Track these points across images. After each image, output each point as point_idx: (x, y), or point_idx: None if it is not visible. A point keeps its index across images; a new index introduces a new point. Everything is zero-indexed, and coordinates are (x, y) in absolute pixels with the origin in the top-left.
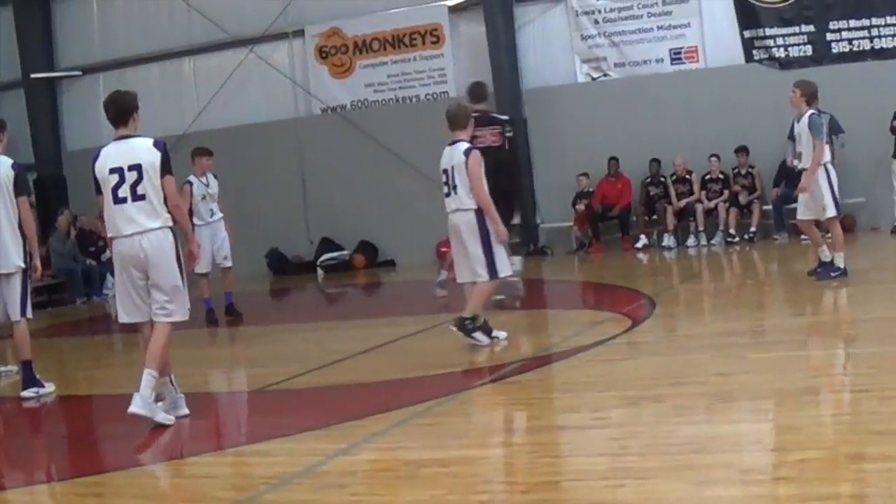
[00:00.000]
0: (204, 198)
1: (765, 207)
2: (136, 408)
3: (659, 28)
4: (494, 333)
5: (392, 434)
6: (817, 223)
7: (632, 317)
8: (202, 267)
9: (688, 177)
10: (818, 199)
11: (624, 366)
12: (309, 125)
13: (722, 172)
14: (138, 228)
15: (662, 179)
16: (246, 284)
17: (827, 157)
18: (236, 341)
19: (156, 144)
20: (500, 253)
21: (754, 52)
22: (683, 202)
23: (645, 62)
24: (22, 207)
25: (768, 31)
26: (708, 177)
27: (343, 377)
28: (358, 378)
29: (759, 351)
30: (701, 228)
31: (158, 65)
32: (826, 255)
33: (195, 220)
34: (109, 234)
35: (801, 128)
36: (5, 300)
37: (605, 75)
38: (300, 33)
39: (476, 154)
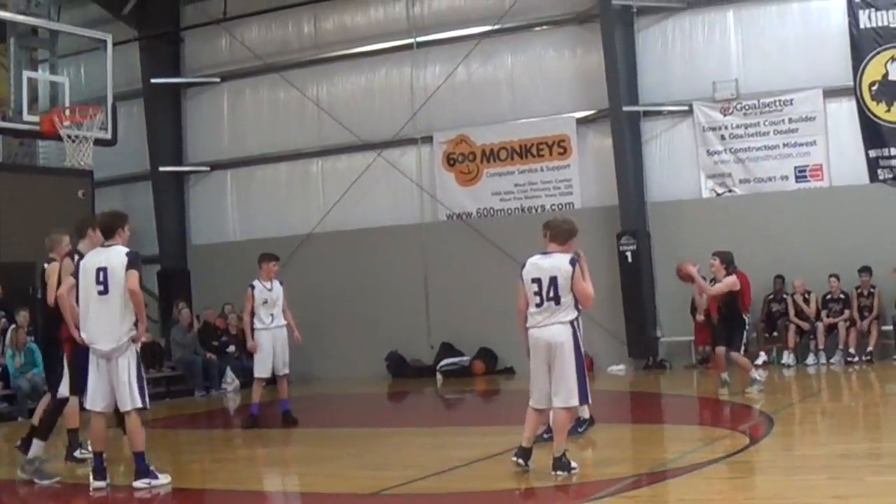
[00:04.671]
0: (265, 302)
1: (884, 328)
2: None
3: (785, 145)
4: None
5: None
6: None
7: (749, 434)
8: (260, 371)
9: (807, 297)
10: None
11: (740, 484)
12: (433, 230)
13: (843, 292)
14: None
15: (785, 297)
16: (365, 386)
17: None
18: (352, 443)
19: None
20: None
21: (879, 171)
22: (805, 325)
23: (770, 179)
24: (129, 278)
25: (893, 151)
26: (828, 296)
27: (461, 484)
28: (475, 486)
29: (876, 474)
30: (821, 347)
31: (287, 164)
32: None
33: (256, 324)
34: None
35: None
36: (114, 386)
37: (729, 191)
38: (428, 139)
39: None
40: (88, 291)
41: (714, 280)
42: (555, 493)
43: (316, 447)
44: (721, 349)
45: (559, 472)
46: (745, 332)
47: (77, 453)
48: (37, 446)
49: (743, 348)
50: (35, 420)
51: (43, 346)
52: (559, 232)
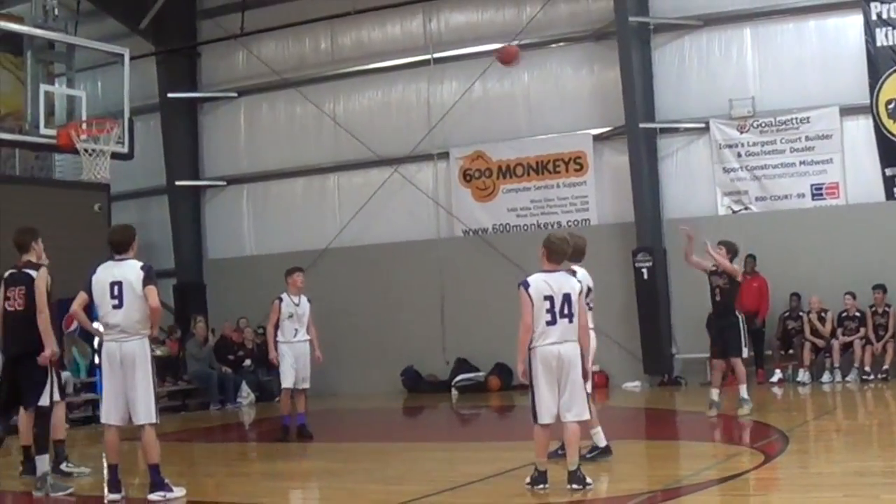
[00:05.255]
0: (291, 316)
1: None
2: None
3: (801, 163)
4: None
5: None
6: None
7: (765, 452)
8: (285, 381)
9: (823, 315)
10: None
11: (755, 502)
12: (450, 246)
13: (859, 310)
14: None
15: (801, 314)
16: (380, 401)
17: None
18: (366, 457)
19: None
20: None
21: (895, 189)
22: (820, 343)
23: (786, 197)
24: (150, 294)
25: None
26: (844, 314)
27: (475, 500)
28: (489, 501)
29: (892, 492)
30: (836, 365)
31: (303, 179)
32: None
33: (278, 337)
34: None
35: None
36: (130, 399)
37: (745, 208)
38: (445, 155)
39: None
40: (103, 305)
41: (716, 270)
42: None
43: (331, 461)
44: (718, 362)
45: (575, 486)
46: (742, 333)
47: (63, 466)
48: (41, 462)
49: (745, 350)
50: (24, 441)
51: (19, 358)
52: (563, 253)
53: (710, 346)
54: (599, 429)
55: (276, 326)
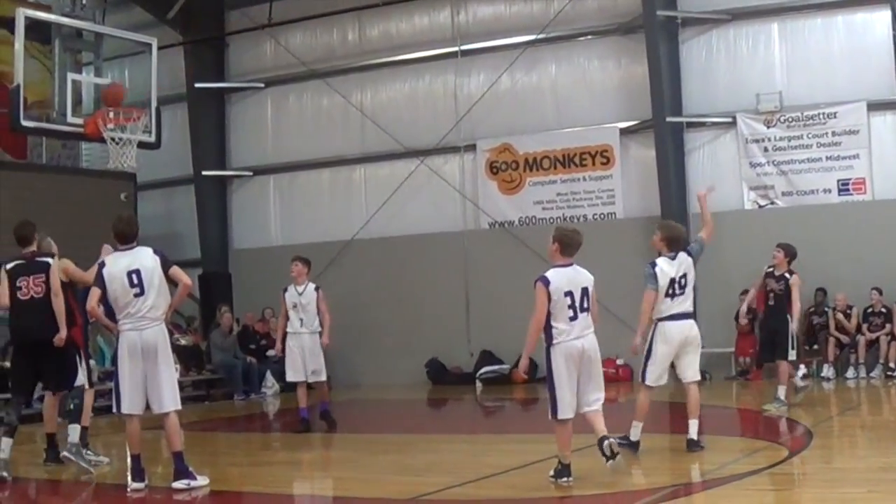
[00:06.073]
0: (294, 306)
1: None
2: None
3: (828, 158)
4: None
5: None
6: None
7: (789, 447)
8: (291, 375)
9: (848, 311)
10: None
11: (779, 496)
12: (475, 238)
13: (885, 306)
14: None
15: (826, 310)
16: (404, 392)
17: (660, 310)
18: (390, 448)
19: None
20: None
21: None
22: (845, 339)
23: (812, 192)
24: (178, 273)
25: None
26: (870, 310)
27: (498, 492)
28: (513, 493)
29: None
30: (861, 361)
31: (330, 170)
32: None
33: (287, 328)
34: None
35: None
36: (153, 387)
37: (772, 203)
38: (472, 147)
39: None
40: (123, 296)
41: (773, 269)
42: (591, 501)
43: (354, 452)
44: (769, 365)
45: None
46: (790, 336)
47: (84, 453)
48: (73, 430)
49: (794, 352)
50: (48, 427)
51: (45, 342)
52: (576, 245)
53: (759, 347)
54: (641, 425)
55: (288, 318)
